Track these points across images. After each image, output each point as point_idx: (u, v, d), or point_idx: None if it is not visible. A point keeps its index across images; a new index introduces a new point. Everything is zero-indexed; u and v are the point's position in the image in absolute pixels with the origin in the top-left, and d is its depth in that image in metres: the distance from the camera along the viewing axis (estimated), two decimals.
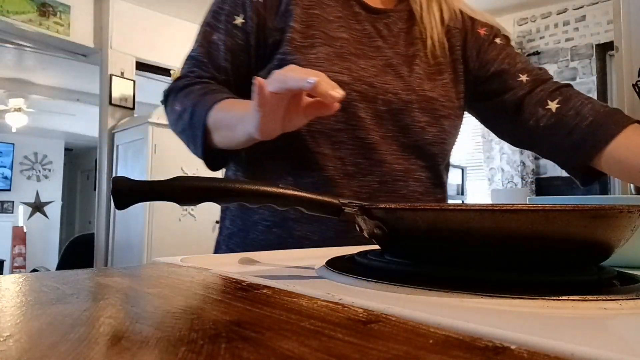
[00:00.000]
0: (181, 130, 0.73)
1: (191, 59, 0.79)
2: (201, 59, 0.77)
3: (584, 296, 0.28)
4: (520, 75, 0.83)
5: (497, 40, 0.87)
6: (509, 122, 0.85)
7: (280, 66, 0.71)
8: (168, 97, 0.78)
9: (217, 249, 0.86)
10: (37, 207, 7.70)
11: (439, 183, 0.82)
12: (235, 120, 0.65)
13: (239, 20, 0.77)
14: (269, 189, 0.39)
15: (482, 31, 0.87)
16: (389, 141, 0.76)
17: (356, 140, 0.74)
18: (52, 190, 7.84)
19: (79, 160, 9.02)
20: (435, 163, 0.81)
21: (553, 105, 0.79)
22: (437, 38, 0.83)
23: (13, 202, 7.49)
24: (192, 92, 0.73)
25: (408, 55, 0.81)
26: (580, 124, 0.76)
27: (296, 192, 0.39)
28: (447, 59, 0.84)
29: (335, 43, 0.77)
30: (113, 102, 3.70)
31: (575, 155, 0.78)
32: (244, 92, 0.76)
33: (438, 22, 0.84)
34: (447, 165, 0.87)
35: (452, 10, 0.86)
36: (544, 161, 4.01)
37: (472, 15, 0.88)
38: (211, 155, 0.71)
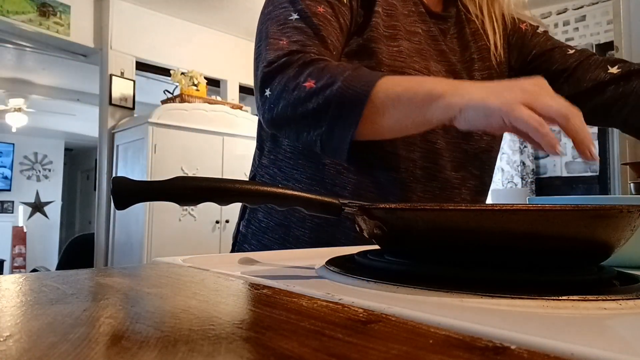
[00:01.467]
0: (313, 111, 0.58)
1: (298, 30, 0.65)
2: (316, 32, 0.65)
3: (584, 296, 0.28)
4: (569, 50, 0.81)
5: (539, 31, 0.87)
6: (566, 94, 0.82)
7: (360, 52, 0.69)
8: (276, 75, 0.62)
9: (243, 244, 0.79)
10: (37, 207, 7.69)
11: (482, 190, 0.81)
12: (432, 87, 0.54)
13: None
14: (269, 189, 0.39)
15: (523, 26, 0.86)
16: (452, 147, 0.75)
17: (427, 144, 0.72)
18: (52, 190, 7.84)
19: (79, 160, 9.02)
20: (484, 171, 0.80)
21: (614, 70, 0.75)
22: (499, 45, 0.81)
23: (13, 202, 7.49)
24: (328, 68, 0.60)
25: (465, 61, 0.80)
26: None
27: (296, 192, 0.39)
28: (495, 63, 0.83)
29: (414, 38, 0.74)
30: (113, 102, 3.70)
31: None
32: None
33: (501, 30, 0.82)
34: (492, 174, 0.85)
35: (511, 16, 0.85)
36: (544, 161, 4.01)
37: (516, 15, 0.87)
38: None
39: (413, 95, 0.55)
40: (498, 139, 0.81)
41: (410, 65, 0.70)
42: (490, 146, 0.80)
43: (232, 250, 0.83)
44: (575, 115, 0.50)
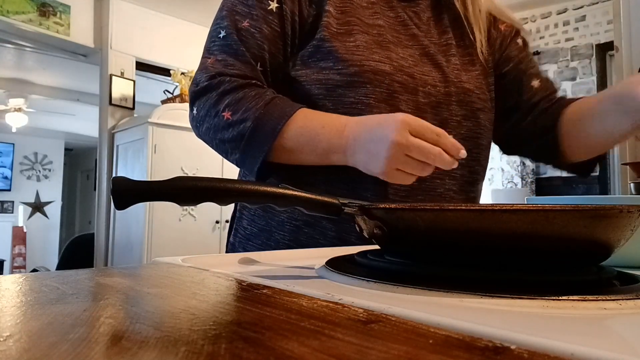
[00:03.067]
0: (229, 139, 0.67)
1: (222, 48, 0.71)
2: (236, 48, 0.71)
3: (584, 296, 0.28)
4: (534, 80, 0.85)
5: (518, 40, 0.88)
6: (507, 122, 0.86)
7: (316, 53, 0.71)
8: (201, 97, 0.70)
9: (232, 252, 0.82)
10: (37, 207, 7.69)
11: (473, 180, 0.79)
12: (327, 145, 0.63)
13: (273, 5, 0.72)
14: (269, 189, 0.39)
15: (502, 27, 0.87)
16: None
17: None
18: (52, 190, 7.84)
19: (79, 160, 9.02)
20: (472, 158, 0.77)
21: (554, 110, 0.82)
22: (484, 43, 0.82)
23: (13, 202, 7.49)
24: (245, 99, 0.67)
25: (442, 44, 0.79)
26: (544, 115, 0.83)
27: (296, 192, 0.39)
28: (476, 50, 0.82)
29: (372, 30, 0.73)
30: (113, 102, 3.70)
31: (544, 141, 0.82)
32: (278, 82, 0.74)
33: (485, 28, 0.82)
34: (485, 163, 0.83)
35: (491, 14, 0.85)
36: None
37: (497, 14, 0.87)
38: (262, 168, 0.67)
39: (313, 148, 0.65)
40: (484, 124, 0.79)
41: (369, 57, 0.70)
42: (475, 133, 0.77)
43: None
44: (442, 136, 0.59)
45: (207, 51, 0.73)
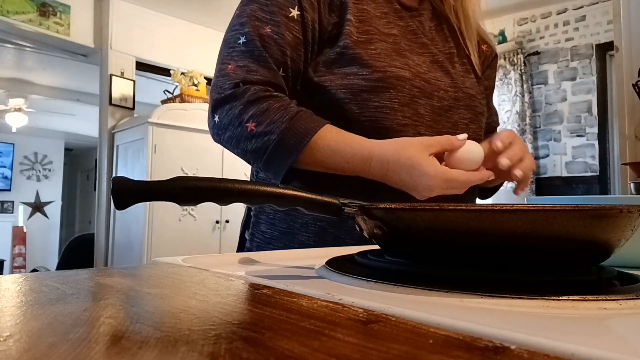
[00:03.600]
0: (253, 150, 0.69)
1: (244, 54, 0.72)
2: (258, 54, 0.71)
3: (584, 296, 0.28)
4: (490, 102, 0.95)
5: (495, 64, 0.95)
6: None
7: (339, 60, 0.73)
8: (224, 105, 0.71)
9: None
10: (37, 207, 7.69)
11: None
12: (356, 166, 0.66)
13: (294, 12, 0.73)
14: (269, 189, 0.39)
15: (484, 47, 0.92)
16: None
17: (418, 137, 0.72)
18: (52, 190, 7.84)
19: (79, 160, 9.02)
20: None
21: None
22: (475, 43, 0.86)
23: (13, 202, 7.49)
24: (269, 111, 0.68)
25: (446, 52, 0.83)
26: None
27: (296, 192, 0.39)
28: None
29: (389, 39, 0.77)
30: (113, 102, 3.70)
31: None
32: (298, 89, 0.76)
33: (475, 30, 0.86)
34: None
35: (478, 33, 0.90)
36: (544, 161, 4.01)
37: (481, 34, 0.91)
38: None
39: (342, 157, 0.67)
40: (482, 128, 0.84)
41: (391, 64, 0.73)
42: (478, 135, 0.82)
43: None
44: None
45: (227, 57, 0.73)
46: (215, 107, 0.72)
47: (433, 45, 0.82)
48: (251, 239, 0.82)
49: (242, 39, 0.72)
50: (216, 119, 0.72)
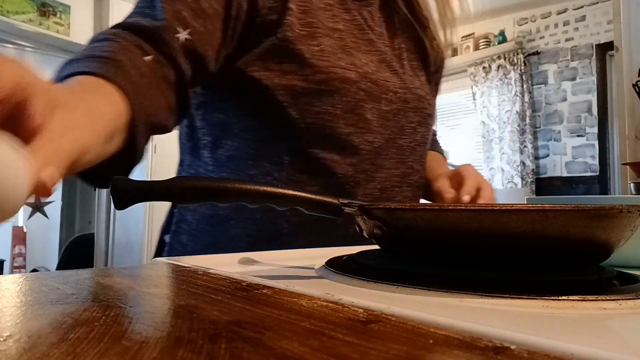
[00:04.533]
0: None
1: (138, 10, 0.56)
2: (152, 11, 0.55)
3: (584, 296, 0.28)
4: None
5: (442, 67, 0.89)
6: None
7: (277, 54, 0.63)
8: None
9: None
10: (37, 207, 7.66)
11: (421, 184, 0.79)
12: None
13: None
14: (269, 189, 0.39)
15: (434, 43, 0.85)
16: (390, 144, 0.71)
17: (365, 144, 0.69)
18: None
19: None
20: (422, 164, 0.78)
21: None
22: (431, 37, 0.81)
23: None
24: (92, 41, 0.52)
25: (395, 48, 0.77)
26: None
27: (296, 192, 0.39)
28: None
29: (334, 34, 0.68)
30: None
31: None
32: (226, 80, 0.65)
33: (431, 23, 0.81)
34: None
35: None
36: (544, 161, 4.01)
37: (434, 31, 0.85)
38: None
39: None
40: (431, 130, 0.80)
41: (336, 64, 0.66)
42: (426, 138, 0.78)
43: None
44: None
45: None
46: None
47: (381, 42, 0.74)
48: (170, 250, 0.73)
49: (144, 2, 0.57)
50: None
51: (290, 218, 0.66)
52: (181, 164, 0.78)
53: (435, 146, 0.93)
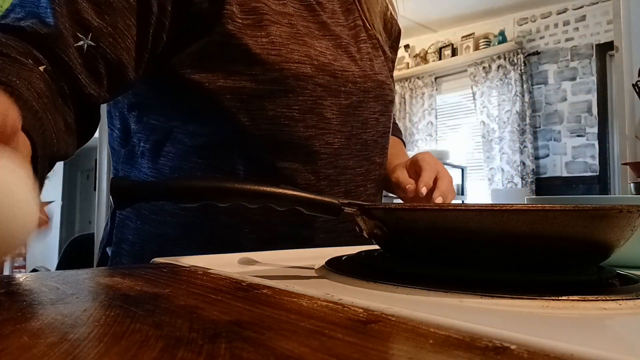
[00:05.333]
0: None
1: (24, 5, 0.46)
2: (44, 9, 0.45)
3: (584, 296, 0.28)
4: None
5: (399, 37, 0.83)
6: None
7: (219, 52, 0.56)
8: None
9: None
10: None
11: (384, 178, 0.74)
12: None
13: None
14: (269, 189, 0.39)
15: (388, 14, 0.80)
16: (353, 141, 0.65)
17: (326, 147, 0.62)
18: (52, 190, 7.84)
19: (79, 160, 9.01)
20: (385, 156, 0.73)
21: None
22: (380, 13, 0.74)
23: None
24: None
25: (350, 28, 0.69)
26: None
27: (295, 192, 0.39)
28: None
29: (283, 20, 0.60)
30: None
31: None
32: (155, 84, 0.58)
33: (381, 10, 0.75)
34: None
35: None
36: (544, 161, 4.01)
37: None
38: None
39: None
40: (391, 117, 0.74)
41: (288, 57, 0.57)
42: (388, 128, 0.72)
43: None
44: None
45: None
46: None
47: (335, 24, 0.66)
48: (117, 250, 0.66)
49: None
50: None
51: (249, 235, 0.60)
52: (115, 171, 0.68)
53: (394, 130, 0.85)
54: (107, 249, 0.68)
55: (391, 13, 0.78)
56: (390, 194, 0.78)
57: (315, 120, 0.60)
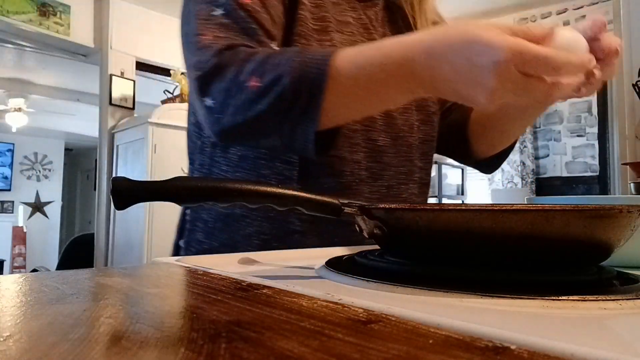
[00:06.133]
0: (266, 112, 0.51)
1: (224, 26, 0.57)
2: (244, 25, 0.57)
3: (584, 296, 0.28)
4: None
5: None
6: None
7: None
8: (213, 78, 0.55)
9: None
10: (37, 207, 7.69)
11: (427, 183, 0.80)
12: (396, 67, 0.47)
13: None
14: (269, 189, 0.39)
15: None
16: (397, 142, 0.72)
17: (369, 143, 0.69)
18: (52, 190, 7.83)
19: (79, 160, 9.01)
20: (427, 162, 0.79)
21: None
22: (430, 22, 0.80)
23: (13, 202, 7.49)
24: (270, 57, 0.53)
25: None
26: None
27: (296, 192, 0.39)
28: None
29: (346, 29, 0.69)
30: (113, 102, 3.70)
31: (453, 137, 0.82)
32: None
33: (429, 14, 0.81)
34: (432, 162, 0.83)
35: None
36: (544, 161, 4.01)
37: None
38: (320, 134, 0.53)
39: (378, 78, 0.49)
40: (436, 128, 0.79)
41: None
42: (431, 136, 0.78)
43: None
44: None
45: (199, 29, 0.58)
46: (202, 87, 0.55)
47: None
48: (187, 247, 0.73)
49: (219, 11, 0.58)
50: (208, 101, 0.55)
51: (302, 216, 0.64)
52: (192, 163, 0.75)
53: None
54: (180, 241, 0.75)
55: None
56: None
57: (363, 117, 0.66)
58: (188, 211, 0.76)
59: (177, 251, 0.76)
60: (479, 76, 0.43)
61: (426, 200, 0.81)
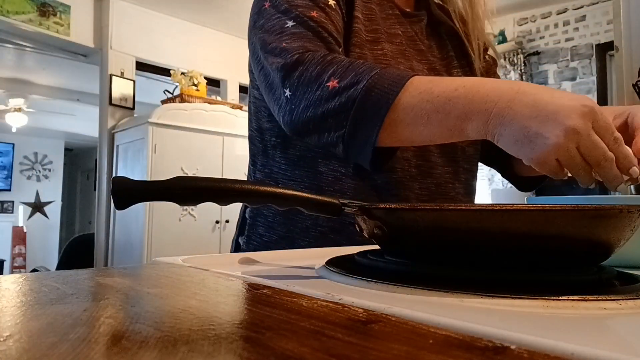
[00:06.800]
0: (334, 110, 0.56)
1: (296, 35, 0.63)
2: (315, 33, 0.63)
3: (584, 296, 0.28)
4: None
5: (497, 72, 0.94)
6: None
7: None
8: (294, 71, 0.59)
9: None
10: (37, 207, 7.69)
11: (473, 185, 0.84)
12: (466, 109, 0.50)
13: (331, 1, 0.69)
14: (269, 189, 0.39)
15: (487, 56, 0.91)
16: (442, 144, 0.75)
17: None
18: (52, 190, 7.84)
19: (79, 160, 9.02)
20: (473, 164, 0.83)
21: None
22: (482, 41, 0.85)
23: (13, 202, 7.49)
24: (354, 65, 0.57)
25: (443, 58, 0.83)
26: None
27: (296, 192, 0.39)
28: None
29: (395, 40, 0.75)
30: (113, 102, 3.70)
31: (494, 154, 0.84)
32: None
33: (483, 26, 0.85)
34: (478, 164, 0.87)
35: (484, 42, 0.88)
36: None
37: (487, 43, 0.89)
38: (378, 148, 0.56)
39: (445, 114, 0.51)
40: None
41: (395, 66, 0.70)
42: (475, 140, 0.80)
43: None
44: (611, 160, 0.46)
45: (275, 41, 0.63)
46: (285, 76, 0.60)
47: (431, 54, 0.81)
48: (247, 241, 0.79)
49: (291, 23, 0.64)
50: (287, 92, 0.60)
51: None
52: (254, 164, 0.82)
53: None
54: (239, 238, 0.81)
55: (488, 56, 0.90)
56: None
57: None
58: (248, 209, 0.81)
59: (237, 247, 0.81)
60: (561, 113, 0.44)
61: (472, 201, 0.84)
